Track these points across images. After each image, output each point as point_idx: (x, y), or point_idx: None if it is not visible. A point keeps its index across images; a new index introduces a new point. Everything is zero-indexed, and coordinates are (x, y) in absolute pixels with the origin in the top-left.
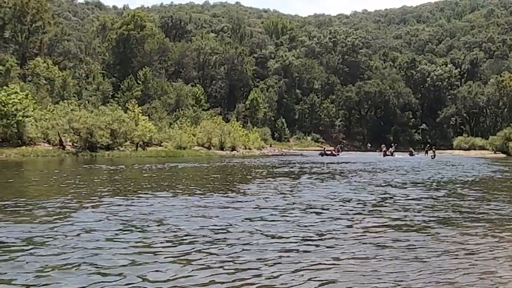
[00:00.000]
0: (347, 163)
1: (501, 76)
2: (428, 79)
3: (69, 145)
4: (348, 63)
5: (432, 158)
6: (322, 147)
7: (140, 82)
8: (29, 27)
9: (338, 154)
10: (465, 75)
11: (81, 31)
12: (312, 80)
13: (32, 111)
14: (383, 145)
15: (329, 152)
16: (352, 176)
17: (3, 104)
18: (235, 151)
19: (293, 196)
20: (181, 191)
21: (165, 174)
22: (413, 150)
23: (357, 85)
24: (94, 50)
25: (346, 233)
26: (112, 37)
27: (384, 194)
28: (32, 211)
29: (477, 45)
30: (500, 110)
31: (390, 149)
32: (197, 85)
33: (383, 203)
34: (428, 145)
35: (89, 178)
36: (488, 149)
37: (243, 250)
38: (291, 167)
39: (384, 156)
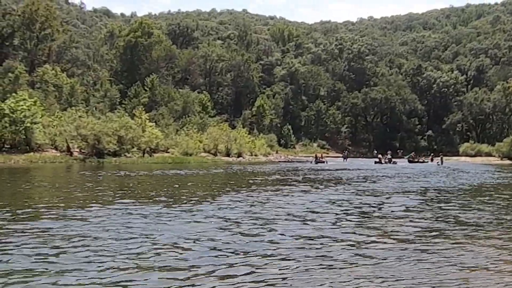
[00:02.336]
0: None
1: (507, 82)
2: (434, 85)
3: (77, 152)
4: (354, 69)
5: (439, 165)
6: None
7: (147, 89)
8: (38, 35)
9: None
10: (471, 81)
11: (89, 39)
12: (318, 87)
13: (40, 117)
14: (375, 152)
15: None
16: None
17: (12, 111)
18: (241, 158)
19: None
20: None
21: (166, 181)
22: (413, 156)
23: (363, 91)
24: (102, 57)
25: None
26: (119, 44)
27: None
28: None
29: (483, 52)
30: (506, 116)
31: (386, 156)
32: (204, 92)
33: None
34: (432, 153)
35: (97, 185)
36: (494, 156)
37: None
38: (288, 174)
39: (375, 163)
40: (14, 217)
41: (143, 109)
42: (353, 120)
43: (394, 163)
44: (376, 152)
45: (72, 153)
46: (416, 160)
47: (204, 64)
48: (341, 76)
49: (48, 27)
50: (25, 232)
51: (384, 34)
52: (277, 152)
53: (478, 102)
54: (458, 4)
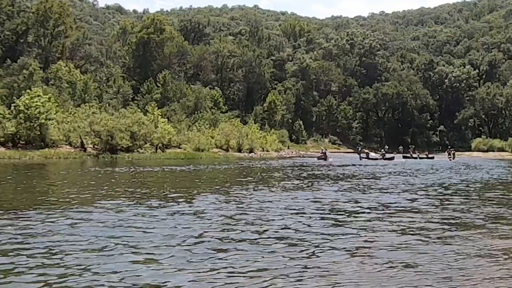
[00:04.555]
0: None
1: None
2: (446, 80)
3: (90, 147)
4: (366, 65)
5: (451, 160)
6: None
7: (160, 85)
8: (51, 32)
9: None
10: (484, 76)
11: (102, 35)
12: (330, 82)
13: (55, 114)
14: (358, 146)
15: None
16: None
17: (27, 107)
18: (253, 153)
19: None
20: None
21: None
22: (413, 151)
23: (375, 87)
24: (115, 53)
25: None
26: (132, 41)
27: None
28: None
29: (495, 46)
30: None
31: (382, 150)
32: (216, 87)
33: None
34: (449, 147)
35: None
36: (507, 151)
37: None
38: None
39: (361, 159)
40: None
41: (156, 105)
42: (365, 115)
43: (391, 159)
44: (387, 147)
45: (85, 149)
46: (412, 156)
47: (215, 60)
48: (352, 71)
49: (61, 24)
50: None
51: (396, 29)
52: (288, 148)
53: (491, 97)
54: None
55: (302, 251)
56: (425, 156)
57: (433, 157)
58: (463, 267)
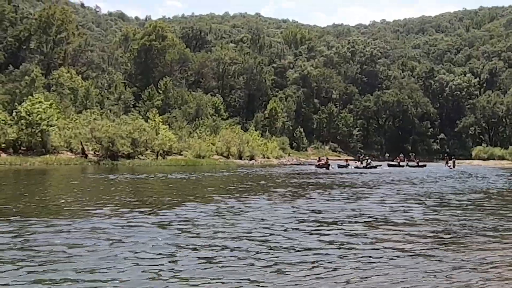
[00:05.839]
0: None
1: None
2: (447, 88)
3: (91, 154)
4: (367, 72)
5: (451, 168)
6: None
7: (161, 92)
8: (54, 38)
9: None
10: (484, 84)
11: (104, 42)
12: (330, 90)
13: (56, 120)
14: (386, 155)
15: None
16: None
17: (28, 113)
18: (254, 160)
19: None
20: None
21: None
22: (401, 158)
23: (375, 94)
24: (117, 60)
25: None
26: (134, 48)
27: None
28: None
29: (496, 55)
30: None
31: (365, 158)
32: (217, 94)
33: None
34: (446, 155)
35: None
36: (507, 159)
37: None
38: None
39: (339, 167)
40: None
41: (157, 111)
42: (365, 123)
43: (374, 167)
44: (387, 155)
45: (86, 155)
46: (399, 164)
47: (217, 67)
48: (353, 79)
49: (64, 30)
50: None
51: (397, 37)
52: (289, 155)
53: (491, 105)
54: (471, 6)
55: (274, 265)
56: (415, 164)
57: (424, 165)
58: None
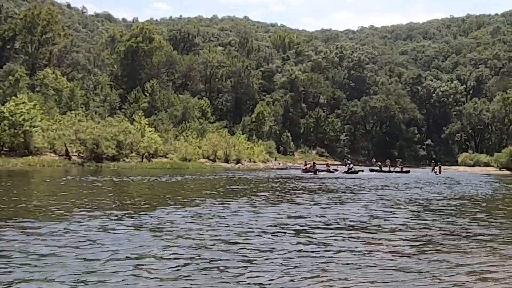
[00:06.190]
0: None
1: (506, 93)
2: (434, 95)
3: (75, 156)
4: (354, 78)
5: (437, 174)
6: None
7: (147, 94)
8: (39, 38)
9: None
10: (471, 91)
11: (90, 43)
12: (318, 95)
13: (40, 121)
14: (373, 160)
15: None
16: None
17: (11, 114)
18: (240, 164)
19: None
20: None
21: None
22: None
23: (363, 100)
24: (103, 61)
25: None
26: (120, 49)
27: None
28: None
29: (482, 62)
30: (505, 127)
31: (347, 163)
32: (204, 97)
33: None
34: (433, 161)
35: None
36: (493, 166)
37: None
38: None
39: (303, 171)
40: None
41: (143, 114)
42: (352, 128)
43: (356, 172)
44: (374, 160)
45: (70, 157)
46: (382, 169)
47: (204, 70)
48: (341, 84)
49: (49, 31)
50: None
51: (385, 43)
52: (275, 159)
53: (477, 112)
54: (458, 14)
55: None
56: (399, 169)
57: (408, 171)
58: None
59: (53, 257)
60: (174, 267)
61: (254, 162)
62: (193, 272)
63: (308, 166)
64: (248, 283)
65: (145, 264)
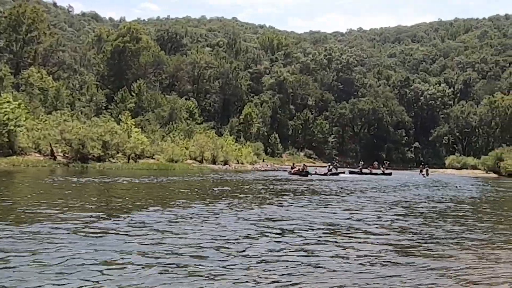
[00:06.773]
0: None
1: (493, 96)
2: (422, 98)
3: (60, 156)
4: (343, 80)
5: (424, 177)
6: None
7: (134, 94)
8: (24, 37)
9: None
10: (458, 94)
11: (77, 42)
12: (306, 96)
13: (24, 120)
14: (361, 162)
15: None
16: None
17: None
18: (228, 165)
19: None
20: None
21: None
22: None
23: (351, 102)
24: (89, 61)
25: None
26: (107, 49)
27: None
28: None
29: (470, 66)
30: (492, 130)
31: (331, 165)
32: (191, 98)
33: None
34: (422, 163)
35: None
36: (480, 169)
37: None
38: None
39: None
40: None
41: (129, 114)
42: (341, 130)
43: (336, 174)
44: (362, 162)
45: (55, 157)
46: (362, 171)
47: (192, 71)
48: (329, 86)
49: (34, 29)
50: None
51: (373, 45)
52: (263, 161)
53: (465, 115)
54: (446, 18)
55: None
56: (381, 172)
57: (390, 174)
58: None
59: (4, 262)
60: (140, 273)
61: (242, 163)
62: (159, 276)
63: (297, 168)
64: None
65: (110, 269)
